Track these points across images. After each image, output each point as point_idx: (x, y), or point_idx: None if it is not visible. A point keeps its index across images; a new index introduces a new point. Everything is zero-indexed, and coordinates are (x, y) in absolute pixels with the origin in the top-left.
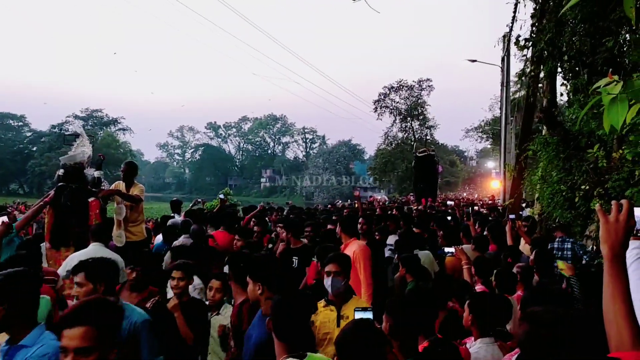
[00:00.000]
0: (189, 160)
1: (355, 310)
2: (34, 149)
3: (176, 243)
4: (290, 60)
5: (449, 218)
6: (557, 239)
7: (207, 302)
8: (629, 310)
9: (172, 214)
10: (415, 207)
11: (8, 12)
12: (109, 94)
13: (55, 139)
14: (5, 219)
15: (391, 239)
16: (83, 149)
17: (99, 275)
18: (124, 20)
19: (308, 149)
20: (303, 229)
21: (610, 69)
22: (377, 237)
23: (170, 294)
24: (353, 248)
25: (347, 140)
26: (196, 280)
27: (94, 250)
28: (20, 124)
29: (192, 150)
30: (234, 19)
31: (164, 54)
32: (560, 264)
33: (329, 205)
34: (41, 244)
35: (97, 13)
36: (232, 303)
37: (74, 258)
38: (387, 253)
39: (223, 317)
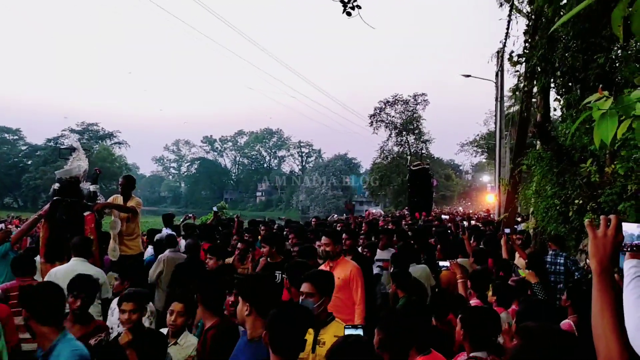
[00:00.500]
0: (185, 174)
1: (345, 328)
2: (29, 162)
3: (161, 257)
4: (286, 74)
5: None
6: (550, 252)
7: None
8: (617, 324)
9: (162, 228)
10: (407, 222)
11: (3, 23)
12: (104, 107)
13: (50, 152)
14: (2, 226)
15: (383, 254)
16: (79, 163)
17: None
18: (119, 34)
19: (304, 163)
20: (284, 243)
21: (601, 85)
22: (367, 254)
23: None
24: (349, 267)
25: (343, 154)
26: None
27: (74, 265)
28: (16, 137)
29: (187, 164)
30: (230, 33)
31: (159, 68)
32: (522, 273)
33: (313, 219)
34: (35, 258)
35: (93, 26)
36: (195, 330)
37: (55, 273)
38: (375, 270)
39: (181, 347)
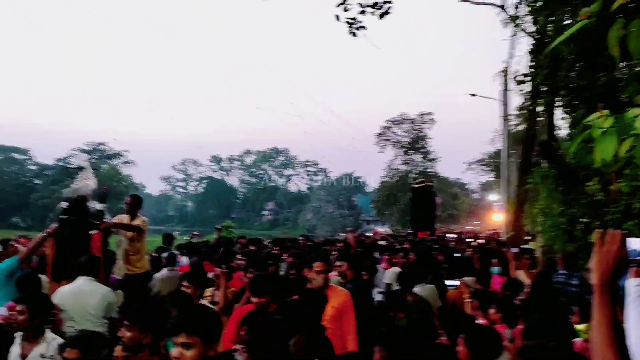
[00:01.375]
0: (192, 193)
1: None
2: (38, 182)
3: (157, 276)
4: (292, 93)
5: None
6: (561, 273)
7: None
8: (613, 338)
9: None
10: (409, 238)
11: (14, 44)
12: (112, 126)
13: (59, 172)
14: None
15: (386, 275)
16: (87, 182)
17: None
18: (127, 52)
19: (311, 182)
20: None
21: (602, 104)
22: (365, 277)
23: None
24: (341, 297)
25: (350, 173)
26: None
27: (82, 283)
28: (25, 157)
29: (195, 183)
30: (237, 51)
31: (167, 87)
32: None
33: (300, 238)
34: (41, 276)
35: (101, 45)
36: None
37: (62, 292)
38: (377, 297)
39: None
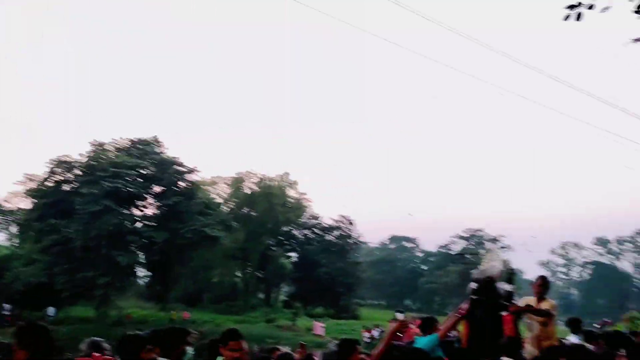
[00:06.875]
0: (576, 279)
1: None
2: (425, 268)
3: None
4: None
5: None
6: None
7: None
8: None
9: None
10: None
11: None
12: (489, 211)
13: (442, 258)
14: (401, 316)
15: None
16: (494, 264)
17: None
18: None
19: None
20: None
21: None
22: None
23: None
24: None
25: None
26: None
27: None
28: (413, 245)
29: (579, 268)
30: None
31: (538, 163)
32: None
33: None
34: None
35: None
36: None
37: None
38: None
39: None
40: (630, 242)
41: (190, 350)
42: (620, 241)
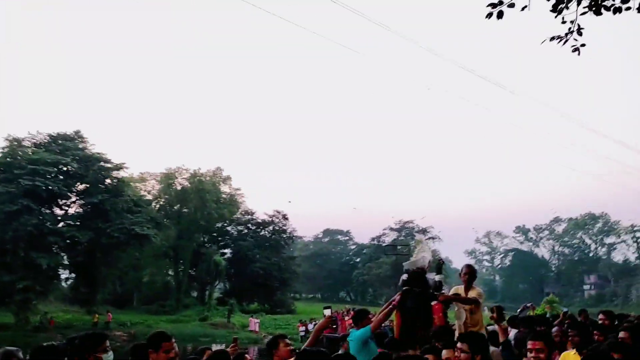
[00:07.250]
0: (499, 266)
1: None
2: (358, 260)
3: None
4: (610, 147)
5: None
6: None
7: None
8: None
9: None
10: None
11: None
12: (420, 204)
13: (374, 250)
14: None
15: None
16: (423, 255)
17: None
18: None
19: None
20: None
21: None
22: None
23: None
24: None
25: None
26: None
27: None
28: (346, 238)
29: (501, 255)
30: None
31: (464, 157)
32: None
33: None
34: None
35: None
36: None
37: None
38: None
39: None
40: (547, 230)
41: (108, 356)
42: (538, 229)
